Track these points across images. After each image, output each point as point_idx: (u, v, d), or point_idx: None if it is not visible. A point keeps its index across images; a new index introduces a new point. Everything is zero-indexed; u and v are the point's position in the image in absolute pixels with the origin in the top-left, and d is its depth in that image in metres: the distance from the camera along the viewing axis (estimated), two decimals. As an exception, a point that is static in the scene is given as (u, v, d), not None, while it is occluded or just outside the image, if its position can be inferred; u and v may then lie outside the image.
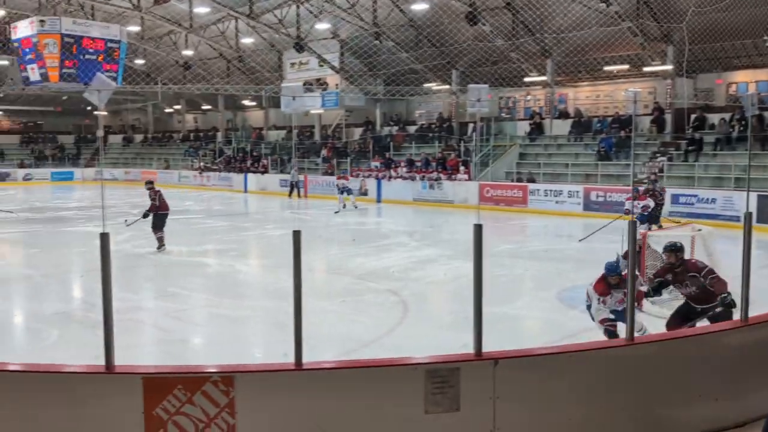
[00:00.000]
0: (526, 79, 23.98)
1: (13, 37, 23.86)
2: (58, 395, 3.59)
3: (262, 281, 10.89)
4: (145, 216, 12.81)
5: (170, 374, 3.53)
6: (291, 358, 3.64)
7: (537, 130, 23.81)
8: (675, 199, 17.03)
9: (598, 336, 6.44)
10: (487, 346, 3.90)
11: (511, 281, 10.22)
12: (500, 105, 25.82)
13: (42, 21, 22.03)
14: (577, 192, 19.37)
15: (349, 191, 21.44)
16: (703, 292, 5.78)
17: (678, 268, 6.06)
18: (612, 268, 6.48)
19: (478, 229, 4.00)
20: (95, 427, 3.53)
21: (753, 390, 4.34)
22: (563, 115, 23.87)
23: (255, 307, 9.02)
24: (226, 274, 11.10)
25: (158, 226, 12.86)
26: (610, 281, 6.43)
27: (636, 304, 5.82)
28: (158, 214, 12.86)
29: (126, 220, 13.14)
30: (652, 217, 12.72)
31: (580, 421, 3.93)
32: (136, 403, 3.45)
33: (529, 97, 25.70)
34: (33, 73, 23.14)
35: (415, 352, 4.49)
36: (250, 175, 30.46)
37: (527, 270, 11.12)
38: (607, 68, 21.84)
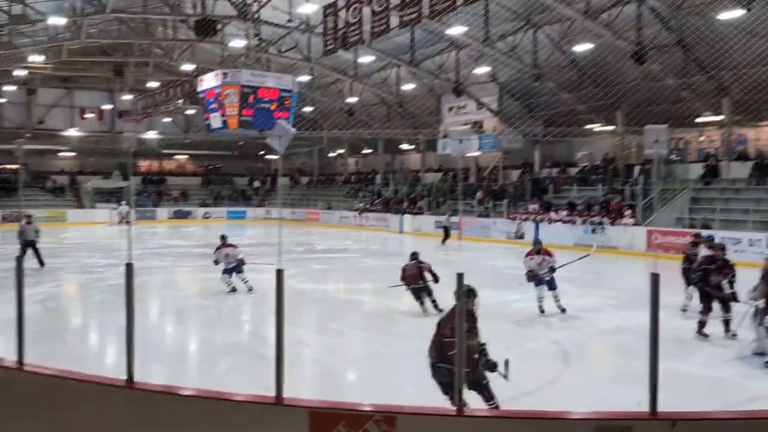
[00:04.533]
0: (699, 119, 22.54)
1: (199, 88, 26.37)
2: (228, 421, 3.76)
3: (417, 321, 10.90)
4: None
5: (335, 410, 3.59)
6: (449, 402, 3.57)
7: (712, 173, 22.15)
8: None
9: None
10: (660, 406, 3.59)
11: (686, 336, 9.44)
12: (670, 146, 24.37)
13: (225, 73, 24.17)
14: (760, 240, 17.68)
15: None
16: None
17: None
18: (536, 241, 11.72)
19: (655, 278, 3.72)
20: (262, 456, 3.65)
21: None
22: (743, 156, 22.05)
23: (410, 346, 9.01)
24: (381, 313, 11.26)
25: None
26: (537, 248, 11.22)
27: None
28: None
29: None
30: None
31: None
32: (302, 436, 3.54)
33: (702, 138, 24.08)
34: (215, 120, 25.39)
35: (578, 406, 4.22)
36: (406, 216, 31.03)
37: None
38: (794, 106, 19.98)
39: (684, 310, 10.70)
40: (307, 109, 34.55)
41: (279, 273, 3.59)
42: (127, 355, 3.99)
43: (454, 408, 3.52)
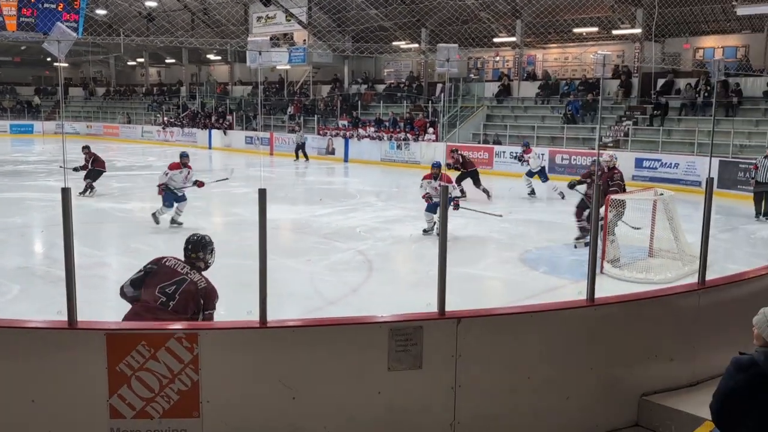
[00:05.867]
0: (496, 40, 23.87)
1: (-34, -19, 22.84)
2: (20, 350, 3.54)
3: (226, 239, 10.78)
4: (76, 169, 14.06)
5: (134, 331, 3.51)
6: (255, 316, 3.64)
7: (505, 91, 23.81)
8: (639, 163, 17.32)
9: (560, 297, 6.60)
10: (450, 306, 3.94)
11: (476, 242, 10.32)
12: (469, 66, 25.71)
13: (-3, -35, 21.13)
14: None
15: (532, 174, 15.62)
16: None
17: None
18: (434, 164, 10.65)
19: (445, 189, 4.03)
20: (58, 382, 3.50)
21: (707, 351, 4.49)
22: (531, 77, 23.89)
23: (218, 264, 8.91)
24: (189, 231, 10.94)
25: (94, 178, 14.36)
26: (433, 172, 10.39)
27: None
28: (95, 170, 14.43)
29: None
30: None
31: (539, 379, 4.03)
32: (99, 359, 3.43)
33: (498, 59, 25.63)
34: (-12, 20, 22.26)
35: (379, 311, 4.52)
36: (214, 132, 30.00)
37: (491, 231, 11.24)
38: (576, 30, 21.84)
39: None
40: (101, 11, 31.40)
41: (65, 192, 3.35)
42: None
43: (257, 320, 3.60)
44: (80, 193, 13.57)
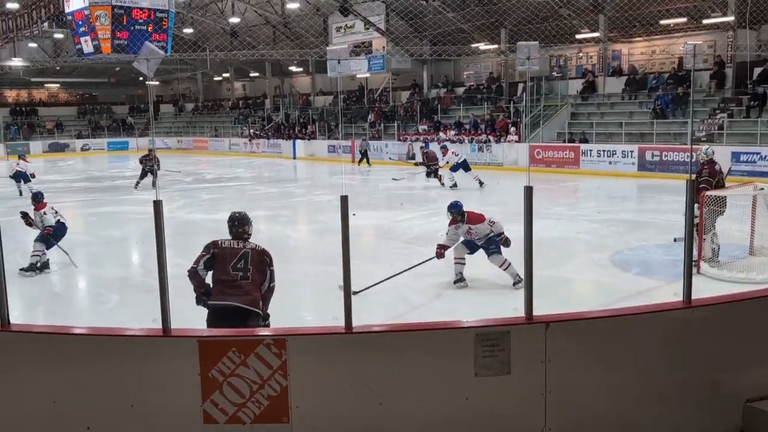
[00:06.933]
0: (578, 36, 23.27)
1: (67, 10, 24.28)
2: (118, 357, 3.70)
3: (312, 246, 10.99)
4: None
5: (224, 337, 3.61)
6: (341, 321, 3.66)
7: (589, 88, 23.16)
8: (736, 156, 16.43)
9: (654, 299, 6.35)
10: (538, 310, 3.84)
11: (563, 244, 10.06)
12: (551, 64, 25.16)
13: (93, -7, 22.32)
14: (632, 152, 18.86)
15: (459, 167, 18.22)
16: None
17: None
18: (452, 207, 8.06)
19: (529, 191, 3.92)
20: (154, 388, 3.63)
21: (817, 354, 4.18)
22: (617, 72, 23.13)
23: (305, 271, 9.10)
24: (276, 239, 11.22)
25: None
26: (455, 217, 7.94)
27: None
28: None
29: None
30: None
31: (633, 384, 3.86)
32: (192, 365, 3.54)
33: (580, 55, 24.95)
34: (86, 45, 23.56)
35: (464, 315, 4.47)
36: (298, 142, 30.64)
37: (579, 232, 10.93)
38: (663, 22, 20.97)
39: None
40: (188, 30, 32.76)
41: (156, 204, 3.49)
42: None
43: (343, 326, 3.62)
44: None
